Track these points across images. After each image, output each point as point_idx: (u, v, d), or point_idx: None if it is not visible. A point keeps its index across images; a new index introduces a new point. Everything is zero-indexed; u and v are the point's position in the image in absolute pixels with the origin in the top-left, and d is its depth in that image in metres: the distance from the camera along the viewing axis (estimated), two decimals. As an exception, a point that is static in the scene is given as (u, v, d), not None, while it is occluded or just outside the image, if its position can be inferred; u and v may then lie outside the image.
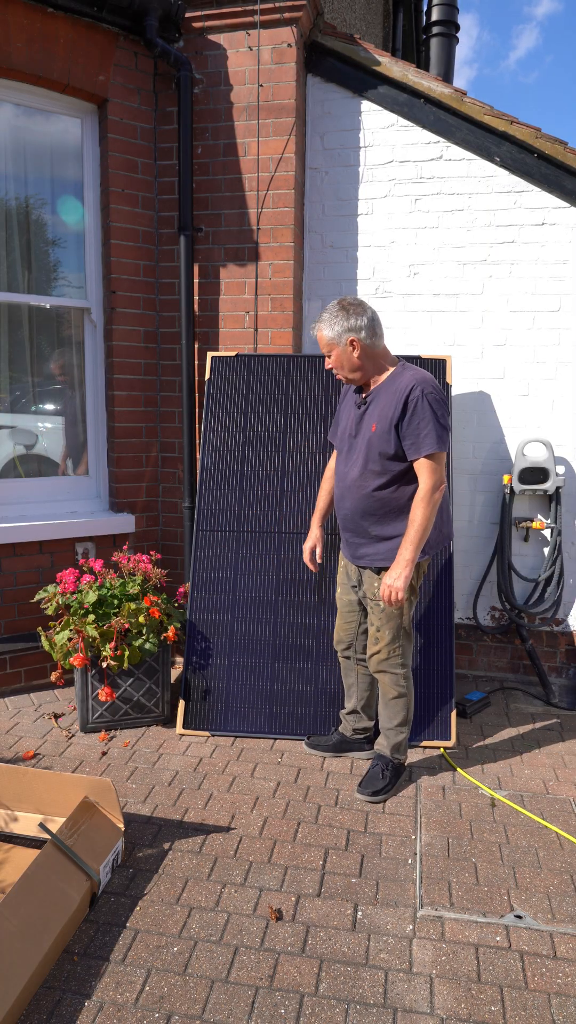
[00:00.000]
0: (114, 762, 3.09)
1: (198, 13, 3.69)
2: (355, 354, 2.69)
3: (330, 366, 2.76)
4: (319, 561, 3.20)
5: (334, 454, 3.01)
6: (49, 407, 4.07)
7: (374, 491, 2.74)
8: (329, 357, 2.74)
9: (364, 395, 2.79)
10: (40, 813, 2.54)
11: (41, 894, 2.05)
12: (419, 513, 2.63)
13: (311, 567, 3.19)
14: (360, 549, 2.86)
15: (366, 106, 3.84)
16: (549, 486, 3.75)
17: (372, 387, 2.77)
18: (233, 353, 3.77)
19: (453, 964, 2.05)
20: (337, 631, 3.12)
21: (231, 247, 3.88)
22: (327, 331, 2.69)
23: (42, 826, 2.33)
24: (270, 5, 3.58)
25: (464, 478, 4.00)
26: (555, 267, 3.75)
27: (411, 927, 2.19)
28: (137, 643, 3.24)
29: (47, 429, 4.08)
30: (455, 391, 3.93)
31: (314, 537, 3.16)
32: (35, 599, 3.46)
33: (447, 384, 3.65)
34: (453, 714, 3.29)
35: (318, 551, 3.17)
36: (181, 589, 3.64)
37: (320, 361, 3.74)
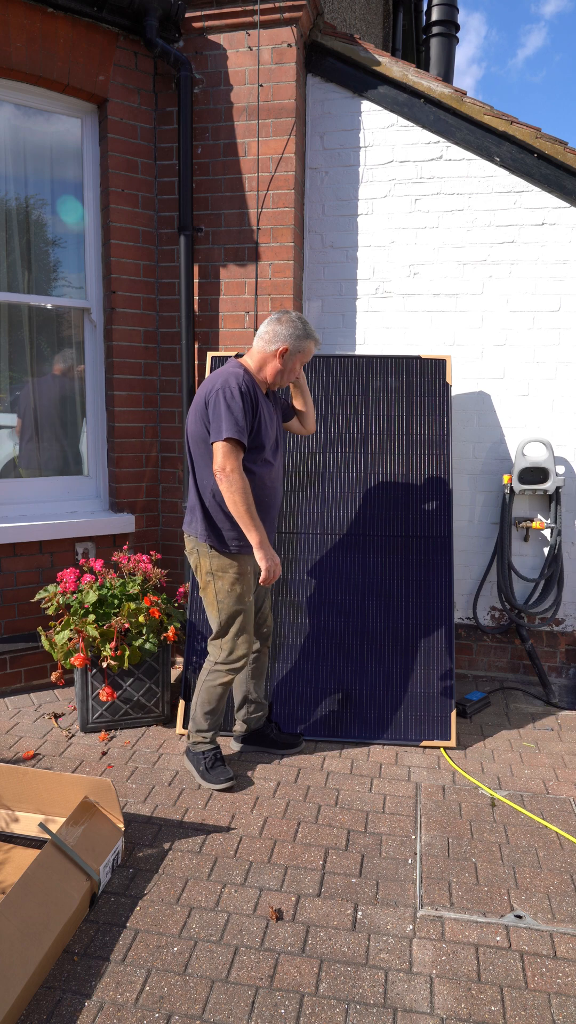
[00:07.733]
0: (114, 762, 3.10)
1: (198, 13, 3.69)
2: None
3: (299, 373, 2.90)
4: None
5: (241, 471, 2.63)
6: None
7: None
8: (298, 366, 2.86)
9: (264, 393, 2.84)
10: (40, 813, 2.54)
11: (41, 894, 2.05)
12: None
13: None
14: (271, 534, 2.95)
15: (366, 106, 3.84)
16: (549, 486, 3.76)
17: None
18: (233, 353, 3.77)
19: (453, 964, 2.05)
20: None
21: (231, 247, 3.88)
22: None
23: (42, 826, 2.33)
24: (270, 5, 3.59)
25: (464, 478, 4.00)
26: (555, 267, 3.75)
27: (411, 927, 2.19)
28: (137, 643, 3.25)
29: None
30: (455, 391, 3.93)
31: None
32: (35, 599, 3.46)
33: (447, 384, 3.66)
34: (453, 714, 3.29)
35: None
36: (181, 589, 3.64)
37: (320, 361, 3.74)
